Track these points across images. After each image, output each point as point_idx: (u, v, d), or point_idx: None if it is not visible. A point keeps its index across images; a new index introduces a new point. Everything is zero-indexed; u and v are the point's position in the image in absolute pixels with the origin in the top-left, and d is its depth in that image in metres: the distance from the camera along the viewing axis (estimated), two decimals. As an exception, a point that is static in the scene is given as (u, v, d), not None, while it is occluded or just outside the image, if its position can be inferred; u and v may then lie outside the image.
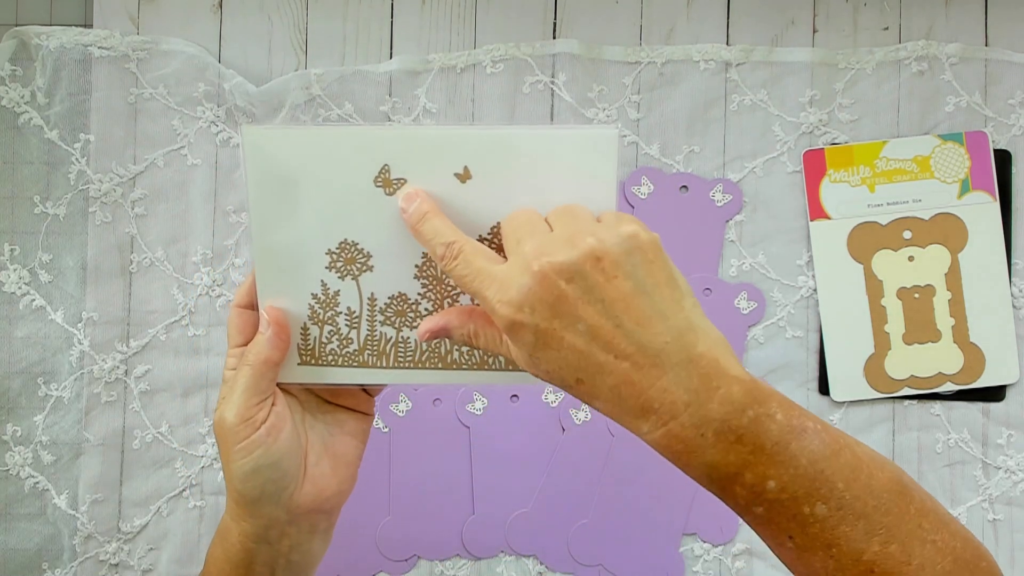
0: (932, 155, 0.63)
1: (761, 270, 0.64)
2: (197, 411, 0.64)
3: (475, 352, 0.44)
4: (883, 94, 0.64)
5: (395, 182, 0.42)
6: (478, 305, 0.42)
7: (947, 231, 0.63)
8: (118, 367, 0.63)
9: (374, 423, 0.63)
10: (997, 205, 0.63)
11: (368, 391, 0.48)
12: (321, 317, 0.44)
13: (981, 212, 0.63)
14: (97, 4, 0.64)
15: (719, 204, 0.64)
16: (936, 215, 0.63)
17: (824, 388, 0.64)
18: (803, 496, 0.35)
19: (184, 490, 0.64)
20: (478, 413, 0.63)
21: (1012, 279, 0.63)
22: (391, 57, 0.65)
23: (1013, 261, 0.63)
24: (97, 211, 0.64)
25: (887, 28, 0.65)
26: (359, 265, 0.43)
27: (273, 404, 0.43)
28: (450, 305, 0.44)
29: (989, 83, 0.64)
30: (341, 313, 0.44)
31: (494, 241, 0.42)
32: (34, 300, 0.64)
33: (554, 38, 0.65)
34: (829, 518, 0.35)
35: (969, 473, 0.63)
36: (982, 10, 0.65)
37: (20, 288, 0.64)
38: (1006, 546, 0.63)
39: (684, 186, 0.64)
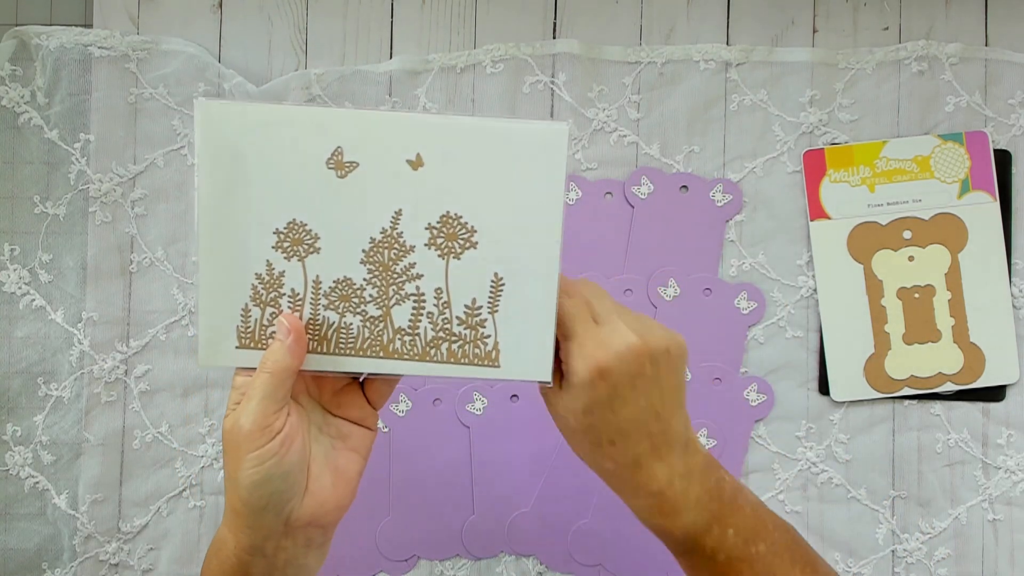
0: (932, 155, 0.63)
1: (761, 270, 0.64)
2: (197, 411, 0.64)
3: (417, 342, 0.44)
4: (883, 94, 0.64)
5: (347, 164, 0.42)
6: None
7: (947, 231, 0.63)
8: (118, 367, 0.63)
9: (374, 423, 0.63)
10: (997, 205, 0.63)
11: (372, 403, 0.47)
12: (264, 298, 0.43)
13: (981, 212, 0.63)
14: (97, 4, 0.64)
15: (719, 204, 0.64)
16: (936, 215, 0.63)
17: (824, 388, 0.63)
18: (752, 537, 0.43)
19: (184, 490, 0.64)
20: (478, 413, 0.63)
21: (1012, 279, 0.63)
22: (391, 57, 0.65)
23: (1013, 261, 0.63)
24: (97, 211, 0.64)
25: (887, 28, 0.65)
26: (306, 246, 0.43)
27: (288, 414, 0.42)
28: (395, 292, 0.43)
29: (989, 83, 0.64)
30: (284, 295, 0.43)
31: (442, 231, 0.42)
32: (34, 300, 0.64)
33: (554, 38, 0.65)
34: (767, 554, 0.43)
35: (969, 473, 0.63)
36: (982, 10, 0.65)
37: (20, 288, 0.64)
38: (1006, 546, 0.63)
39: (684, 186, 0.64)
